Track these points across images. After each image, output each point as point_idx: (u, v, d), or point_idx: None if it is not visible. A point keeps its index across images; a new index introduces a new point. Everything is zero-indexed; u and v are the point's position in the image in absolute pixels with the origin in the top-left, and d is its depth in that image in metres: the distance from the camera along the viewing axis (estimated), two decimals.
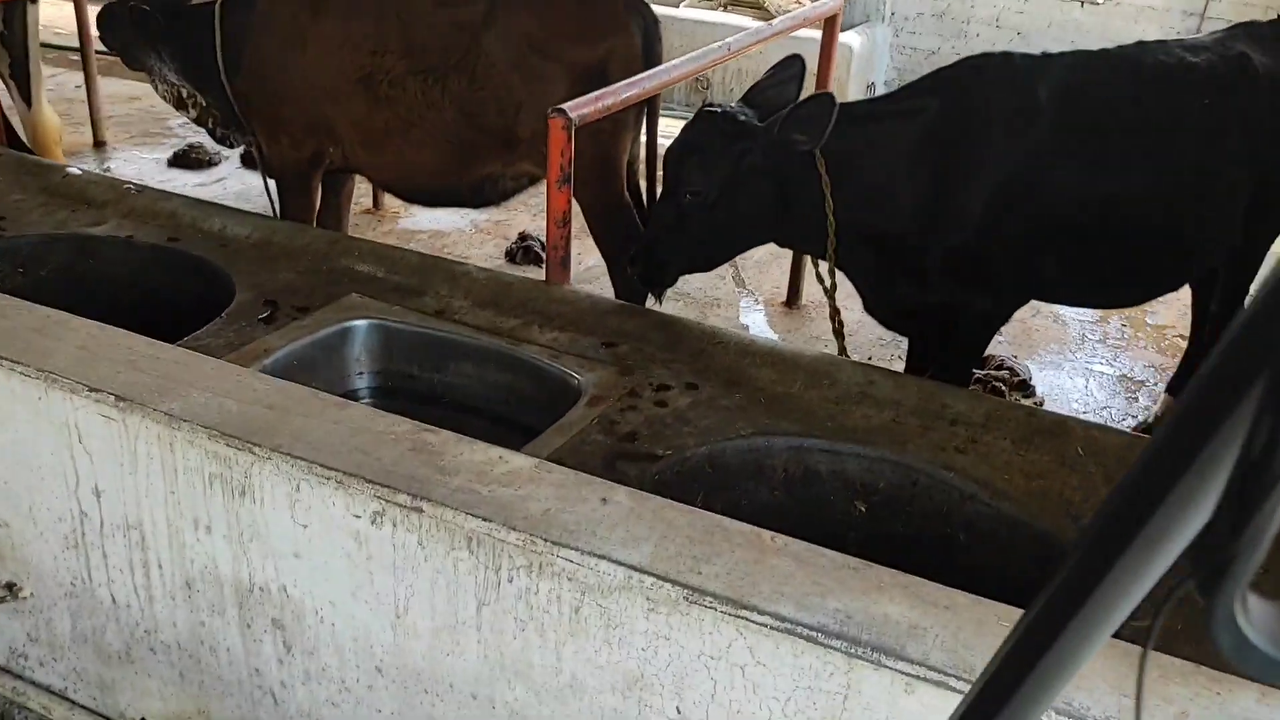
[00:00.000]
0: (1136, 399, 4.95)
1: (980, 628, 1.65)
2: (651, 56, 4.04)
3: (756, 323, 5.48)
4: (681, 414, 2.86)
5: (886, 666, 1.58)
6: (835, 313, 3.51)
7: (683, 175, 3.23)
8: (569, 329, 3.24)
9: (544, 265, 3.46)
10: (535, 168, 4.22)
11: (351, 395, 3.29)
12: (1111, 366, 5.24)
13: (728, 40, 4.18)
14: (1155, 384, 5.07)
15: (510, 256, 6.04)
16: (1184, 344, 5.43)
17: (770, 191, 3.25)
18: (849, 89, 8.42)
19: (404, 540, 1.93)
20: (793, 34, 4.93)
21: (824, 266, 3.44)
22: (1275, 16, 3.83)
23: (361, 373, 3.31)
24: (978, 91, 3.24)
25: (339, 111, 4.22)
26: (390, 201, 6.54)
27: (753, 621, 1.66)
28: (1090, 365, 5.24)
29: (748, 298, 5.70)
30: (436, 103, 4.05)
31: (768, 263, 6.25)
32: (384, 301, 3.36)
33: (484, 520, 1.84)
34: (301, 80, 4.21)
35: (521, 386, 3.16)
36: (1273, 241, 3.92)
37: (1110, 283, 3.55)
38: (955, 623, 1.66)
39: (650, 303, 4.42)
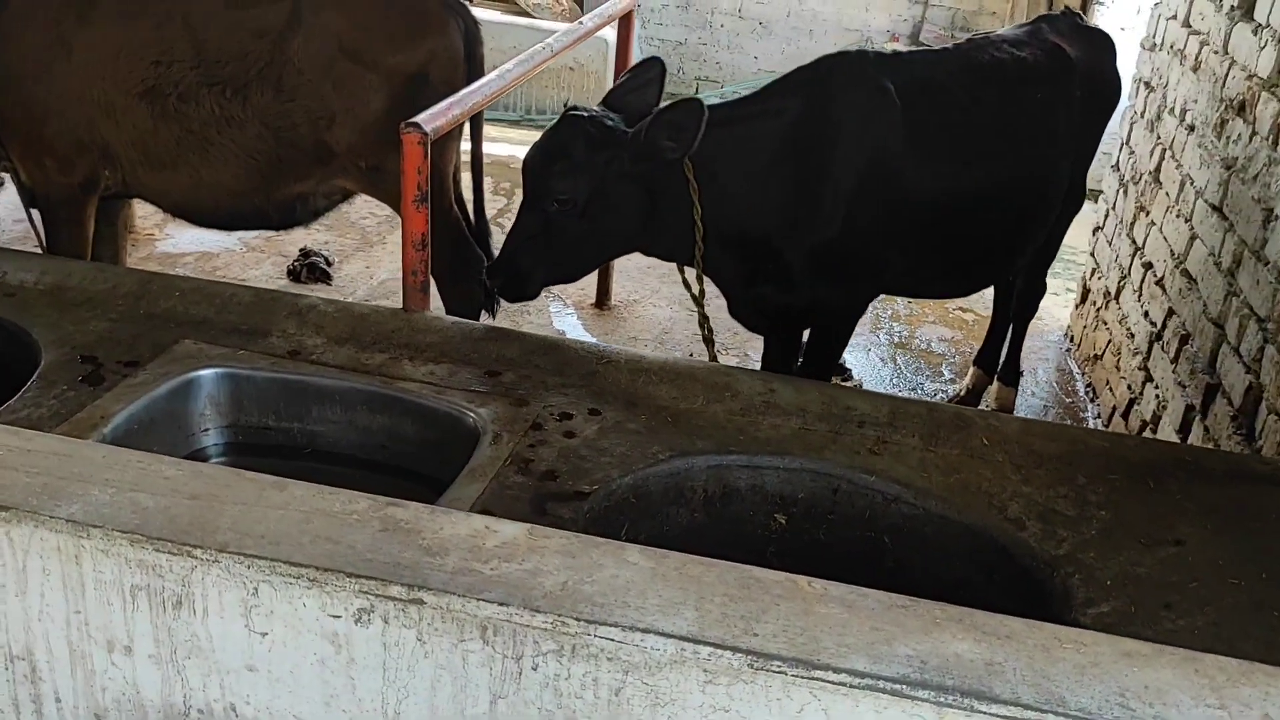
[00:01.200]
0: (942, 373, 5.20)
1: (1049, 654, 1.61)
2: (474, 59, 3.81)
3: (571, 326, 5.34)
4: (593, 443, 2.70)
5: (980, 712, 1.52)
6: (704, 320, 3.43)
7: (550, 183, 3.05)
8: (444, 360, 3.00)
9: (401, 291, 3.18)
10: (350, 183, 3.90)
11: (199, 455, 2.90)
12: (911, 343, 5.48)
13: (548, 41, 4.00)
14: (953, 357, 5.35)
15: (294, 275, 5.61)
16: (964, 315, 5.79)
17: (639, 198, 3.13)
18: (607, 81, 8.40)
19: (399, 637, 1.68)
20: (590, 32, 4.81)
21: (691, 273, 3.36)
22: (1064, 8, 4.08)
23: (207, 429, 2.92)
24: (836, 91, 3.25)
25: (116, 130, 3.72)
26: (144, 222, 5.91)
27: (829, 681, 1.55)
28: (892, 343, 5.46)
29: (556, 302, 5.54)
30: (237, 117, 3.64)
31: None
32: (224, 346, 2.98)
33: (500, 605, 1.63)
34: (67, 94, 3.68)
35: (402, 428, 2.88)
36: (1071, 221, 4.19)
37: (955, 275, 3.68)
38: (1024, 653, 1.61)
39: (484, 317, 4.21)
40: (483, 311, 4.15)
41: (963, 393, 4.81)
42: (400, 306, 3.21)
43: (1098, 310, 5.12)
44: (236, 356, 2.93)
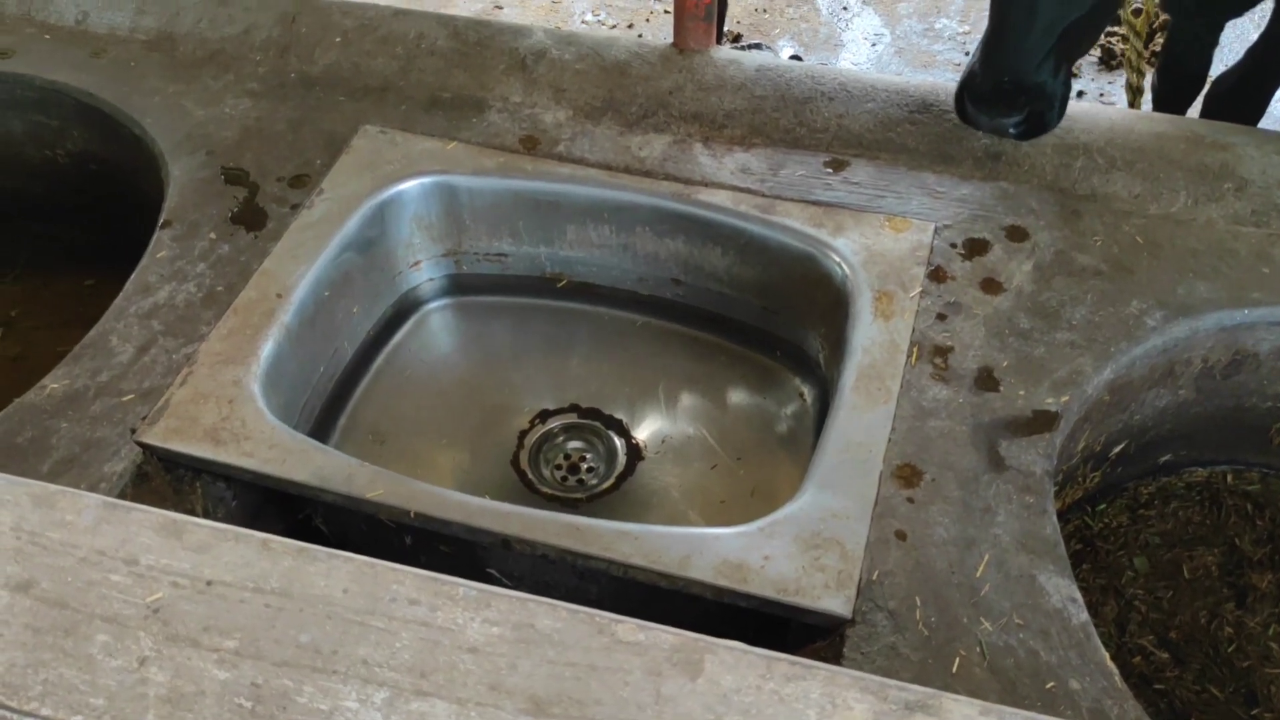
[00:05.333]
0: None
1: None
2: None
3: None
4: (1033, 301, 1.69)
5: None
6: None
7: None
8: (758, 141, 1.94)
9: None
10: None
11: (411, 299, 2.01)
12: None
13: None
14: None
15: None
16: None
17: None
18: None
19: None
20: None
21: None
22: None
23: (418, 262, 1.99)
24: None
25: None
26: None
27: None
28: None
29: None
30: None
31: None
32: (424, 134, 1.96)
33: None
34: None
35: (705, 258, 1.90)
36: None
37: None
38: None
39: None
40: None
41: None
42: (670, 42, 2.08)
43: None
44: (447, 153, 1.93)
